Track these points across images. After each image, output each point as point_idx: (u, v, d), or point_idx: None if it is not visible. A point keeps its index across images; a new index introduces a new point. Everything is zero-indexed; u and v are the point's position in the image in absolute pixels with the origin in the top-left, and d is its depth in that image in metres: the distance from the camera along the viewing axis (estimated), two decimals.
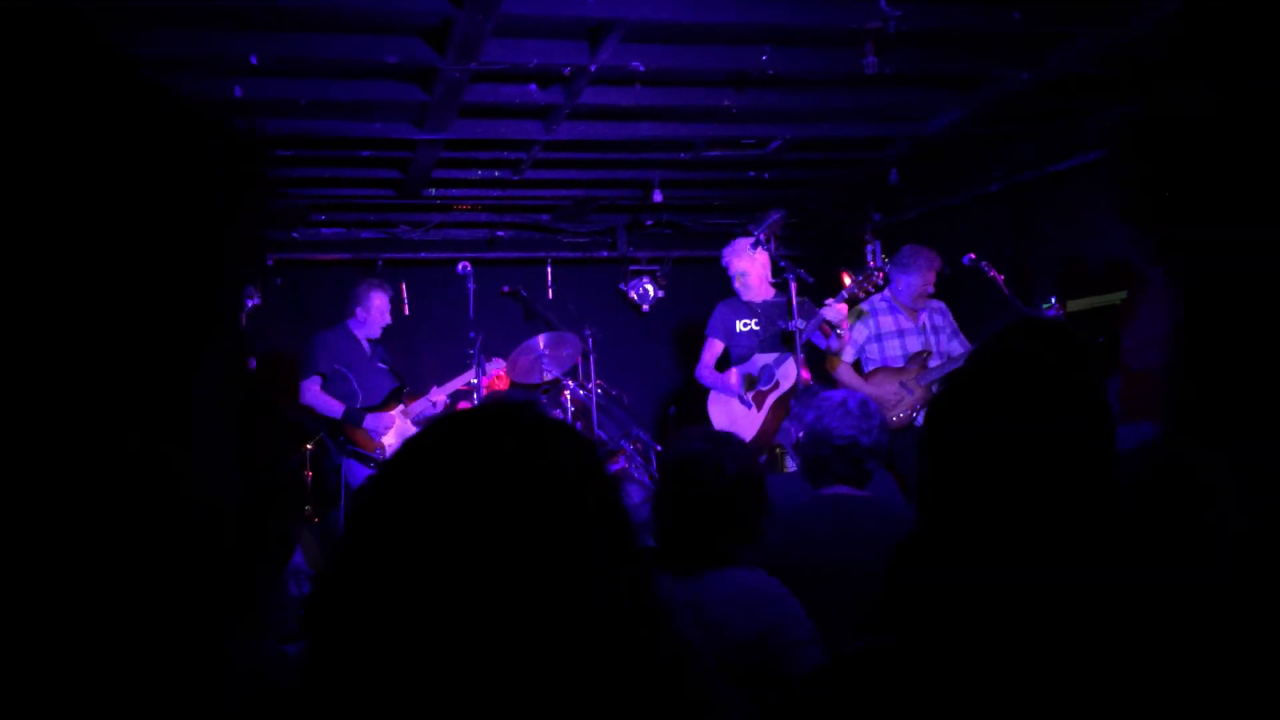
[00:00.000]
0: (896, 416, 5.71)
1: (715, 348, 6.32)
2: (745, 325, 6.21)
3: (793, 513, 3.18)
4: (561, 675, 0.92)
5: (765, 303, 6.16)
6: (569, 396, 6.76)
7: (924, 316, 6.01)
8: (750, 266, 6.12)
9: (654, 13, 4.15)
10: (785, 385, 6.02)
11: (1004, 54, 4.85)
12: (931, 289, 5.97)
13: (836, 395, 3.38)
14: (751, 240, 6.05)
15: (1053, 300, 5.59)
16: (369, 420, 6.10)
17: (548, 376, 6.81)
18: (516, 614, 0.92)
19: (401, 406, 6.29)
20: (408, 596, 0.93)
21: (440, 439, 1.04)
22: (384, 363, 6.44)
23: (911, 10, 4.23)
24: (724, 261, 6.26)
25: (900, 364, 5.89)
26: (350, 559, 0.99)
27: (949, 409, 1.26)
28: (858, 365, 6.05)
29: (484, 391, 6.39)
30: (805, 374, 5.71)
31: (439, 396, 6.41)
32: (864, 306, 6.06)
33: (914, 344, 5.93)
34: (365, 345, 6.36)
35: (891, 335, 5.98)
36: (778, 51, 4.68)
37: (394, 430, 6.18)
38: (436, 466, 1.00)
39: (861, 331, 6.03)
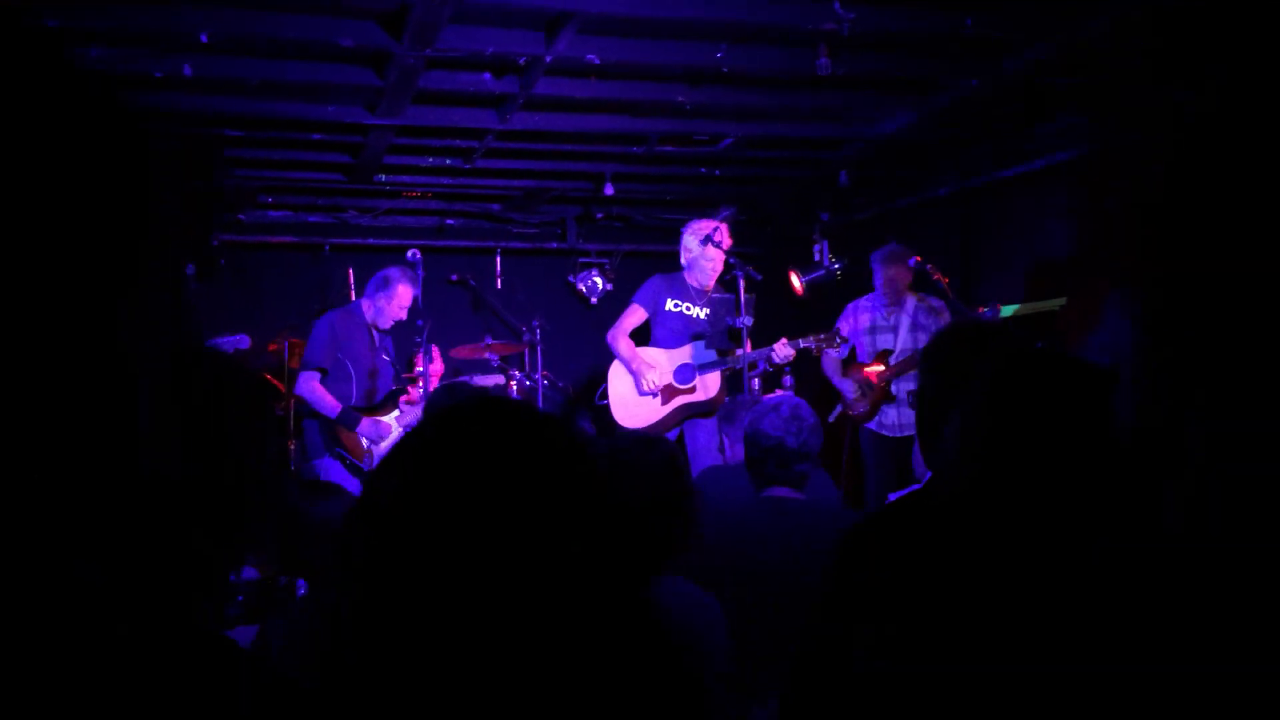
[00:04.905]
0: (857, 411, 6.11)
1: (636, 314, 6.15)
2: (677, 305, 6.10)
3: (734, 513, 3.22)
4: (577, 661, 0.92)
5: (711, 296, 6.13)
6: (515, 387, 6.75)
7: (906, 314, 6.08)
8: (717, 255, 5.97)
9: (611, 5, 4.15)
10: (700, 394, 5.99)
11: (957, 59, 4.91)
12: (901, 285, 6.07)
13: (771, 399, 3.45)
14: (702, 236, 6.01)
15: (995, 304, 5.72)
16: (365, 426, 5.64)
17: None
18: (532, 608, 0.92)
19: (403, 406, 5.85)
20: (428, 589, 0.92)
21: (451, 438, 1.02)
22: (389, 354, 6.01)
23: (865, 13, 4.27)
24: (700, 237, 6.00)
25: (869, 360, 6.15)
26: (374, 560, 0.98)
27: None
28: (851, 356, 6.27)
29: (433, 380, 6.35)
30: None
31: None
32: (849, 306, 6.33)
33: (884, 341, 6.12)
34: (374, 334, 5.98)
35: (866, 332, 6.20)
36: (733, 49, 4.70)
37: (390, 441, 5.69)
38: (451, 468, 0.98)
39: (845, 326, 6.24)
